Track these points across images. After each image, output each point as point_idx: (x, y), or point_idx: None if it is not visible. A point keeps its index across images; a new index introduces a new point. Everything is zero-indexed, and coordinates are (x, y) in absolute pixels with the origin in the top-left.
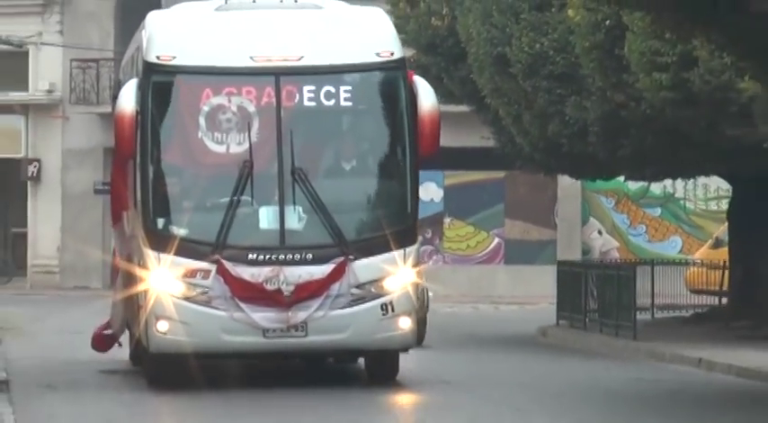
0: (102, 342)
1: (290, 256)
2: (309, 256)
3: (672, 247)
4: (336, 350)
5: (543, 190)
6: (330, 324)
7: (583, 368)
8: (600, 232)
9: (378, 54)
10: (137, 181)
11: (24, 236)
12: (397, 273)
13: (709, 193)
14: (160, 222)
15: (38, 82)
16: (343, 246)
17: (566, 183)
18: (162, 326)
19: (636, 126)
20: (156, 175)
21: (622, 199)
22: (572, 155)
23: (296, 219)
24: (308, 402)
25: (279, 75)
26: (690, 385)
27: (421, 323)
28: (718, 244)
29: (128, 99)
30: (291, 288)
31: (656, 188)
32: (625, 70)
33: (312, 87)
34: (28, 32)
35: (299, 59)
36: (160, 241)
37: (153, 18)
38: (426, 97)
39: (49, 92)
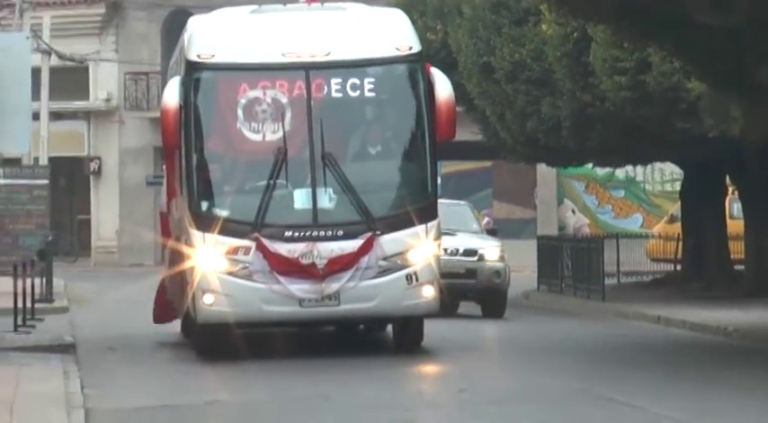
0: (163, 315)
1: (323, 233)
2: (340, 232)
3: (634, 223)
4: (366, 317)
5: (524, 176)
6: (360, 294)
7: (559, 326)
8: (573, 211)
9: (397, 48)
10: (182, 169)
11: (88, 222)
12: (419, 246)
13: (665, 176)
14: (204, 205)
15: (97, 92)
16: (371, 222)
17: (543, 170)
18: (208, 299)
19: (601, 121)
20: (200, 162)
21: (591, 183)
22: (548, 146)
23: (327, 199)
24: (343, 373)
25: (308, 69)
26: (650, 338)
27: (502, 296)
28: (672, 219)
29: (172, 94)
30: (324, 262)
31: (619, 173)
32: (591, 75)
33: (339, 80)
34: (88, 50)
35: (327, 55)
36: (204, 222)
37: (194, 21)
38: (443, 87)
39: (107, 100)
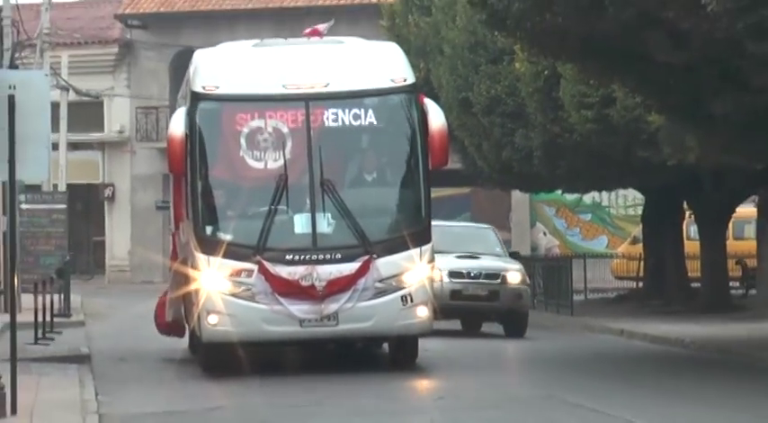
0: (167, 327)
1: (322, 256)
2: (338, 255)
3: (600, 243)
4: (363, 337)
5: (500, 201)
6: (358, 314)
7: (532, 338)
8: (544, 233)
9: (392, 80)
10: (188, 194)
11: (103, 243)
12: (414, 268)
13: (628, 201)
14: (209, 229)
15: (111, 124)
16: (368, 246)
17: (517, 196)
18: (212, 319)
19: (569, 151)
20: (204, 188)
21: (561, 207)
22: (521, 174)
23: (326, 224)
24: (338, 384)
25: (308, 100)
26: (614, 349)
27: (524, 317)
28: (635, 241)
29: (178, 124)
30: (323, 284)
31: (587, 198)
32: (560, 108)
33: (337, 110)
34: (103, 87)
35: (326, 86)
36: (209, 246)
37: (199, 54)
38: (436, 116)
39: (120, 132)
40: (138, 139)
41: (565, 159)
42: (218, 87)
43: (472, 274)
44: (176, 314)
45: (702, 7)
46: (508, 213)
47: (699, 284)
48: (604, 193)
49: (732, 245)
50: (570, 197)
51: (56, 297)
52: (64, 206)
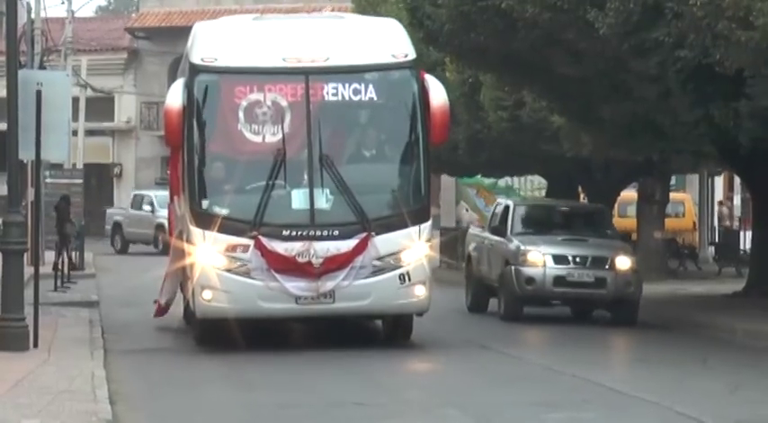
0: (159, 311)
1: (319, 233)
2: (336, 232)
3: None
4: (360, 315)
5: (432, 183)
6: (355, 292)
7: (456, 296)
8: (467, 210)
9: (393, 55)
10: (184, 168)
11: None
12: (413, 246)
13: (534, 185)
14: (204, 203)
15: (120, 116)
16: (366, 223)
17: (446, 179)
18: (207, 294)
19: (488, 144)
20: (201, 162)
21: (480, 189)
22: (449, 162)
23: (324, 200)
24: (331, 359)
25: (308, 73)
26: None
27: (635, 305)
28: None
29: (175, 96)
30: (320, 261)
31: (501, 182)
32: (481, 109)
33: (337, 84)
34: (114, 85)
35: (326, 60)
36: (205, 220)
37: (198, 27)
38: (437, 93)
39: (127, 122)
40: (142, 128)
41: (484, 151)
42: (216, 59)
43: (578, 260)
44: (171, 294)
45: (596, 30)
46: (438, 193)
47: None
48: (516, 178)
49: (617, 221)
50: (488, 181)
51: (73, 254)
52: (81, 181)
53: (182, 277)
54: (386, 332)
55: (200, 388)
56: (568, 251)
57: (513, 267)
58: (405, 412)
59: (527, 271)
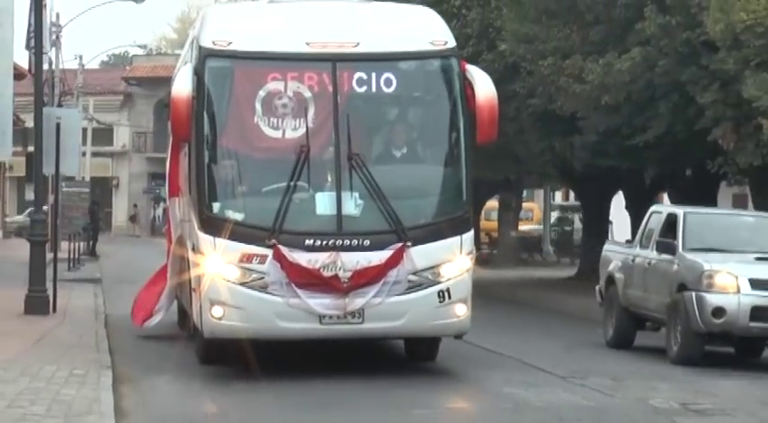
0: (140, 318)
1: (348, 242)
2: (367, 242)
3: None
4: (392, 337)
5: None
6: (387, 311)
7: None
8: None
9: (432, 43)
10: (191, 165)
11: (110, 213)
12: (453, 259)
13: None
14: (215, 206)
15: (118, 142)
16: (401, 232)
17: None
18: (217, 311)
19: None
20: (212, 159)
21: None
22: None
23: (353, 205)
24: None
25: (335, 61)
26: None
27: None
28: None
29: (183, 83)
30: (349, 274)
31: None
32: None
33: (369, 74)
34: (113, 119)
35: (356, 46)
36: (215, 225)
37: (210, 9)
38: (483, 85)
39: (123, 147)
40: (134, 151)
41: None
42: (230, 43)
43: (762, 283)
44: (167, 307)
45: None
46: None
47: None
48: None
49: (483, 224)
50: None
51: (82, 243)
52: (88, 190)
53: (179, 290)
54: (408, 351)
55: (179, 343)
56: None
57: (693, 294)
58: None
59: (714, 299)
